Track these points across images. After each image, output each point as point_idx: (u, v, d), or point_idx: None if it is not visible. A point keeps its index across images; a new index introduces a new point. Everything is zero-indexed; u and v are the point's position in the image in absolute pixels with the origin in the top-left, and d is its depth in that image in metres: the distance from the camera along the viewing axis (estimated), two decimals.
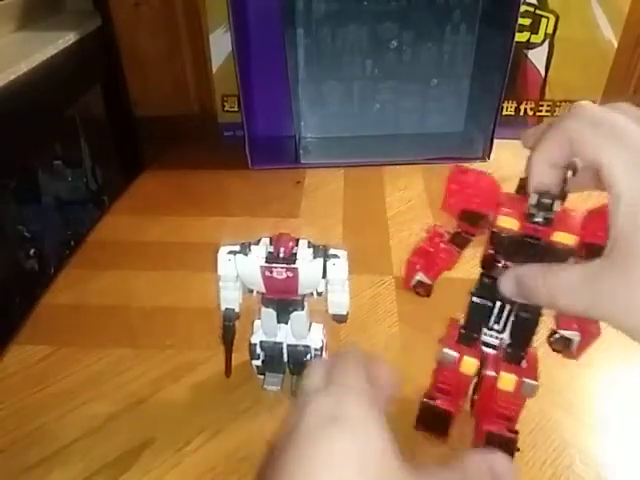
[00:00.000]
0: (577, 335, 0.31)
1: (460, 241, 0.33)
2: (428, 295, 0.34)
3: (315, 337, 0.44)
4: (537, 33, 0.87)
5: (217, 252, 0.40)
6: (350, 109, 0.90)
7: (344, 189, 0.79)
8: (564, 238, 0.29)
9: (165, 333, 0.53)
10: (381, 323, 0.54)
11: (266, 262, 0.39)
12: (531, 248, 0.29)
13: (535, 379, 0.34)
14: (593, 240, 0.28)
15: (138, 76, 0.92)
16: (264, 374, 0.46)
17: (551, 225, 0.29)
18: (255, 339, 0.44)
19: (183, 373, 0.49)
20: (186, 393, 0.47)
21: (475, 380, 0.37)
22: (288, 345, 0.44)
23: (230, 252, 0.40)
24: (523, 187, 0.30)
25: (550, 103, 0.92)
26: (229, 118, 0.92)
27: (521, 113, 0.93)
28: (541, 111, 0.93)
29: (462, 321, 0.35)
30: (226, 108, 0.92)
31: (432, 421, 0.38)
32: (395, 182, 0.81)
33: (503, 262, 0.31)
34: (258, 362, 0.45)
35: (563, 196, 0.29)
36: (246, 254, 0.39)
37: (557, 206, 0.28)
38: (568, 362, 0.34)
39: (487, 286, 0.32)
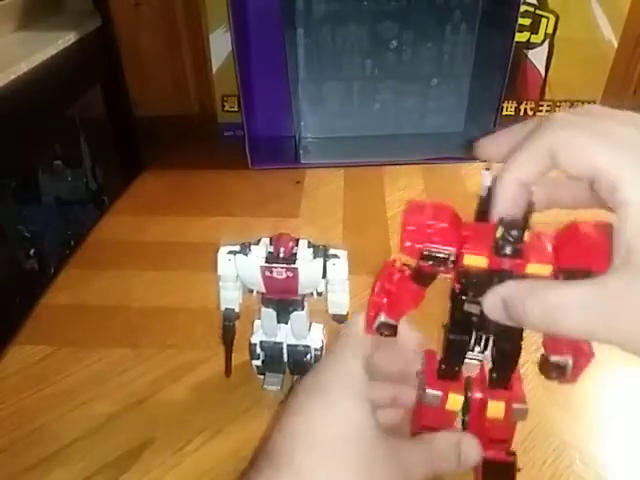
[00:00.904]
0: (570, 359, 0.29)
1: (423, 279, 0.30)
2: (394, 335, 0.32)
3: (315, 337, 0.44)
4: (537, 33, 0.87)
5: (217, 252, 0.40)
6: (350, 109, 0.90)
7: (344, 189, 0.79)
8: (539, 269, 0.26)
9: (165, 333, 0.53)
10: None
11: (266, 262, 0.39)
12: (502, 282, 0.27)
13: (524, 402, 0.32)
14: (571, 265, 0.26)
15: (138, 76, 0.92)
16: (264, 374, 0.46)
17: (522, 256, 0.26)
18: (255, 339, 0.44)
19: (183, 373, 0.49)
20: (186, 393, 0.47)
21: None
22: (288, 345, 0.44)
23: (230, 252, 0.40)
24: (485, 208, 0.28)
25: (550, 103, 0.92)
26: (229, 118, 0.92)
27: (521, 113, 0.93)
28: (541, 111, 0.93)
29: (440, 355, 0.33)
30: (226, 108, 0.92)
31: None
32: (395, 182, 0.80)
33: (472, 296, 0.29)
34: (258, 362, 0.45)
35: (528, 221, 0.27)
36: (246, 254, 0.39)
37: (526, 236, 0.26)
38: None
39: (461, 320, 0.30)
